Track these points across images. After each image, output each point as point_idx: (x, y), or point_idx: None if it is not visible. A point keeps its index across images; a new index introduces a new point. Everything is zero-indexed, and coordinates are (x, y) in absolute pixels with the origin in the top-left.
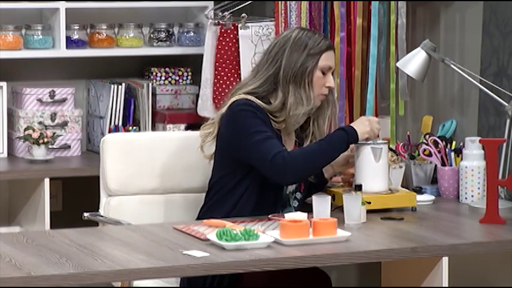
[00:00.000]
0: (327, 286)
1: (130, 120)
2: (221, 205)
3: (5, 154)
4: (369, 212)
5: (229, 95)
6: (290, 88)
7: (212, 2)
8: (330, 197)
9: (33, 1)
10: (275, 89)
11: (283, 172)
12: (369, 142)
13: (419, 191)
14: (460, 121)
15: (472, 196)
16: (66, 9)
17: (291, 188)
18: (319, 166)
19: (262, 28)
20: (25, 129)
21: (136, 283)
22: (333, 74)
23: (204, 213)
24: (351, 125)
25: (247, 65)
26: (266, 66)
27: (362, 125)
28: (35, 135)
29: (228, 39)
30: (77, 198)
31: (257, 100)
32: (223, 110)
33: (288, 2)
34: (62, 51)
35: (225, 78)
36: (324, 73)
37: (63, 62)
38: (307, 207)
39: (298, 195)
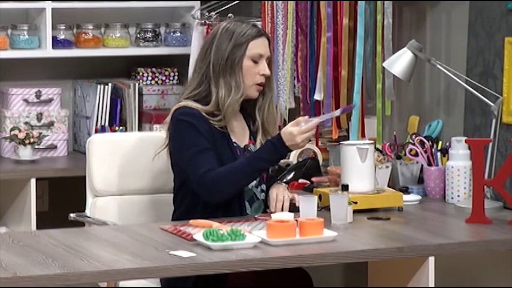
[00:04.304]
0: (308, 285)
1: (116, 121)
2: (191, 209)
3: None
4: (355, 212)
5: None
6: (220, 82)
7: (199, 2)
8: (316, 197)
9: (19, 1)
10: (210, 85)
11: (210, 192)
12: (355, 142)
13: (405, 191)
14: (446, 121)
15: (458, 196)
16: (52, 9)
17: (255, 181)
18: (248, 182)
19: None
20: (11, 130)
21: (122, 283)
22: (270, 63)
23: (178, 219)
24: (282, 136)
25: None
26: (199, 65)
27: (289, 137)
28: (21, 135)
29: None
30: (63, 199)
31: (196, 104)
32: (168, 119)
33: (274, 2)
34: (48, 51)
35: None
36: (255, 61)
37: (49, 62)
38: None
39: (264, 186)
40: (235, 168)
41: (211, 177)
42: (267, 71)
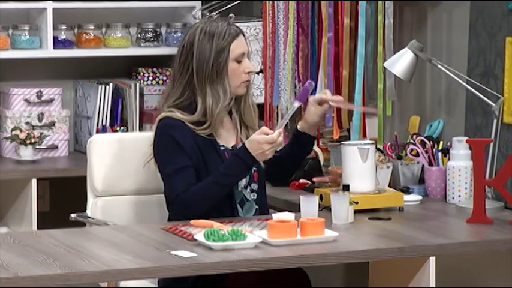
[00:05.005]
0: (306, 285)
1: (117, 121)
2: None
3: None
4: (356, 212)
5: (159, 107)
6: (207, 89)
7: (200, 2)
8: (317, 197)
9: (20, 1)
10: (195, 94)
11: (183, 213)
12: (356, 142)
13: (406, 191)
14: (447, 121)
15: (459, 196)
16: (53, 9)
17: (244, 182)
18: (220, 197)
19: (250, 28)
20: (12, 130)
21: (122, 283)
22: (248, 56)
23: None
24: (247, 146)
25: None
26: (180, 74)
27: (256, 147)
28: (22, 135)
29: None
30: (64, 199)
31: (181, 115)
32: (154, 128)
33: (275, 2)
34: (49, 52)
35: None
36: (239, 61)
37: (50, 62)
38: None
39: (254, 186)
40: (205, 188)
41: (183, 200)
42: (251, 68)
